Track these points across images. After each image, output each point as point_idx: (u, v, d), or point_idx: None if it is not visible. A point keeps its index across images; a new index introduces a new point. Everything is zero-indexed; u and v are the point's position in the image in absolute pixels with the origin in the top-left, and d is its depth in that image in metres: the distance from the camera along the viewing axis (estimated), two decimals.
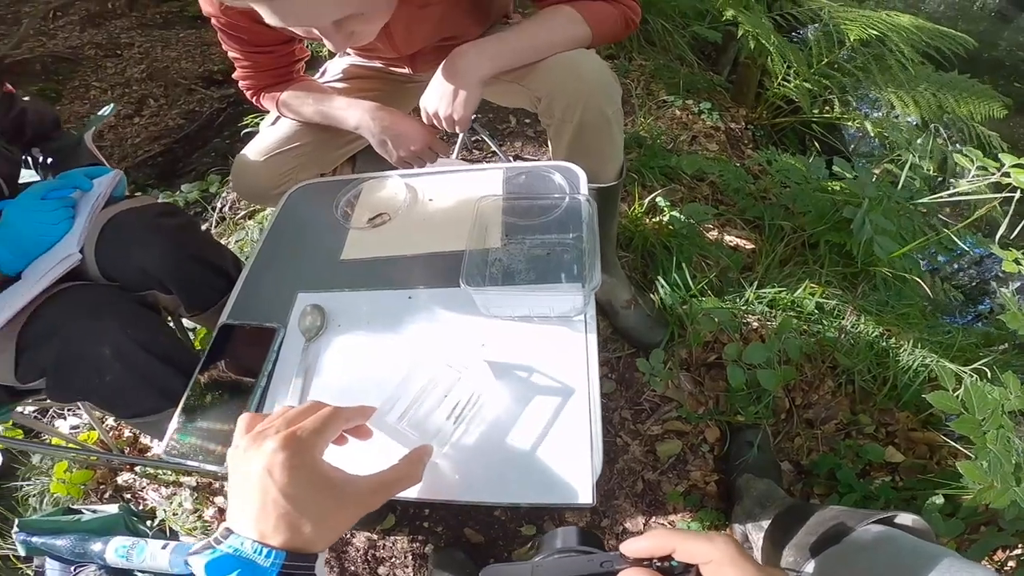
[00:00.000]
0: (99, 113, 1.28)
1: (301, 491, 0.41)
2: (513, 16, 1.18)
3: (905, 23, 2.25)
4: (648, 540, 0.36)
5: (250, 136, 2.18)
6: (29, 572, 1.26)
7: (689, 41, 2.37)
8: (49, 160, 1.12)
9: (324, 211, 0.87)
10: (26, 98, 1.13)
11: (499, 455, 0.58)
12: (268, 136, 1.09)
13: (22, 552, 1.16)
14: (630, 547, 0.36)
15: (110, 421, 1.48)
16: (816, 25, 2.30)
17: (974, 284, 2.12)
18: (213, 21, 0.95)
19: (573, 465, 0.56)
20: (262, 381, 0.69)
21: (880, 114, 2.26)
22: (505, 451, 0.58)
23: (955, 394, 0.95)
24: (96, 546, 1.15)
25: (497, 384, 0.63)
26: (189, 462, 0.65)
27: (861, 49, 2.19)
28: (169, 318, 1.13)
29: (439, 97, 0.86)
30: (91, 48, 3.89)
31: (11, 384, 0.88)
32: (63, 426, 1.53)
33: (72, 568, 1.14)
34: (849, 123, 2.28)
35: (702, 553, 0.34)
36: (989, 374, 1.13)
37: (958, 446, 1.09)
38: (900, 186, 1.51)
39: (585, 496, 0.54)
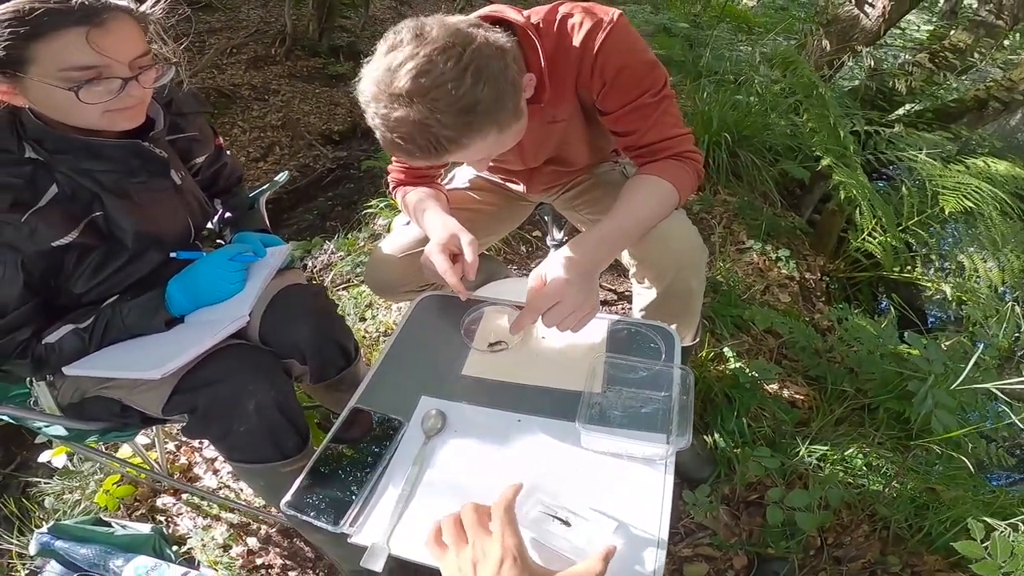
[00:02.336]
0: (275, 179, 1.43)
1: None
2: (623, 156, 1.30)
3: (1002, 170, 2.30)
4: None
5: (369, 217, 2.44)
6: (22, 571, 1.27)
7: (776, 176, 2.45)
8: (227, 214, 1.24)
9: (449, 325, 1.01)
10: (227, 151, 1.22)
11: (576, 558, 0.68)
12: (404, 235, 1.22)
13: (32, 551, 1.16)
14: None
15: (170, 446, 1.55)
16: (908, 175, 2.35)
17: None
18: None
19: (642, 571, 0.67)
20: (383, 463, 0.79)
21: (962, 278, 2.26)
22: (580, 557, 0.68)
23: (983, 544, 1.04)
24: (117, 562, 1.15)
25: (582, 504, 0.74)
26: (303, 516, 0.74)
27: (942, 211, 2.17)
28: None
29: (566, 295, 0.86)
30: (247, 89, 4.41)
31: (153, 415, 0.99)
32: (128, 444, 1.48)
33: (75, 575, 1.14)
34: (928, 284, 2.29)
35: None
36: (1022, 528, 1.15)
37: None
38: (971, 364, 1.53)
39: None
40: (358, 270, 2.11)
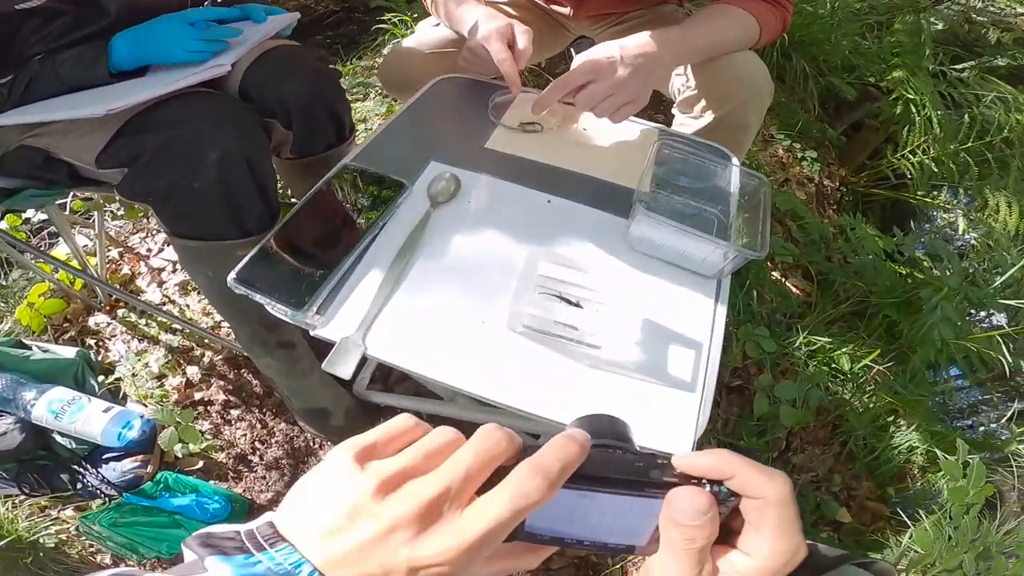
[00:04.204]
0: None
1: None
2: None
3: None
4: (709, 459, 0.30)
5: (376, 45, 2.18)
6: None
7: (821, 89, 2.34)
8: None
9: (473, 105, 0.86)
10: None
11: (606, 387, 0.55)
12: (432, 32, 1.08)
13: None
14: (686, 463, 0.30)
15: (113, 253, 1.35)
16: (977, 104, 2.17)
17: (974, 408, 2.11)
18: None
19: (678, 418, 0.55)
20: (372, 233, 0.64)
21: (983, 213, 2.15)
22: (612, 386, 0.56)
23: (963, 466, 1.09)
24: (29, 394, 0.99)
25: (621, 319, 0.60)
26: (256, 294, 0.59)
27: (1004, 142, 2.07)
28: None
29: (608, 74, 0.77)
30: None
31: (85, 165, 0.82)
32: (61, 249, 1.29)
33: None
34: (945, 214, 2.26)
35: (756, 487, 0.29)
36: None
37: (904, 516, 1.17)
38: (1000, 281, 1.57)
39: (684, 448, 0.53)
40: (355, 90, 1.92)
